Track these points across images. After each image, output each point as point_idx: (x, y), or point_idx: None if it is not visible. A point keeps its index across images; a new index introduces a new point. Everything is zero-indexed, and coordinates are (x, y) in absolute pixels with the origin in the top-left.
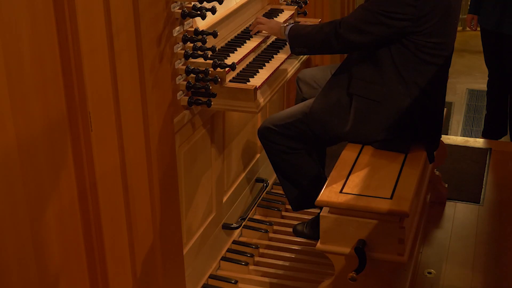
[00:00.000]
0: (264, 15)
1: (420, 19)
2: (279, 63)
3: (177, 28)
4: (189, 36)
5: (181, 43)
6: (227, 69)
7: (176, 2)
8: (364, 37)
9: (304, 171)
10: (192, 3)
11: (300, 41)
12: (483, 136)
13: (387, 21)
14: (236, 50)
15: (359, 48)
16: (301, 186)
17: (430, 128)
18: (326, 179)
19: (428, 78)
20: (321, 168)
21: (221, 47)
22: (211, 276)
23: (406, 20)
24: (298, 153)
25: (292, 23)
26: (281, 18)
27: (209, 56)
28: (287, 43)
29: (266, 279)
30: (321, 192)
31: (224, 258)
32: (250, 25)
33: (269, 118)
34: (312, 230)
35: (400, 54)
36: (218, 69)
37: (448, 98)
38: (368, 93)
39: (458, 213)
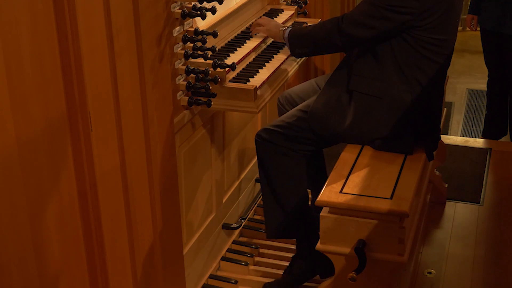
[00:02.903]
0: (264, 15)
1: (422, 13)
2: (279, 63)
3: (177, 28)
4: (189, 36)
5: (181, 43)
6: (227, 69)
7: (176, 2)
8: (367, 32)
9: (293, 182)
10: (192, 3)
11: (301, 41)
12: (483, 136)
13: (390, 15)
14: (236, 50)
15: (362, 43)
16: (285, 205)
17: (429, 126)
18: (307, 207)
19: (429, 75)
20: (307, 196)
21: (221, 47)
22: (211, 276)
23: (409, 14)
24: (294, 158)
25: (290, 27)
26: (281, 18)
27: (209, 56)
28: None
29: (266, 279)
30: (321, 192)
31: (224, 258)
32: (250, 25)
33: (266, 125)
34: (299, 268)
35: (401, 50)
36: (218, 69)
37: (448, 98)
38: (369, 89)
39: (458, 213)
